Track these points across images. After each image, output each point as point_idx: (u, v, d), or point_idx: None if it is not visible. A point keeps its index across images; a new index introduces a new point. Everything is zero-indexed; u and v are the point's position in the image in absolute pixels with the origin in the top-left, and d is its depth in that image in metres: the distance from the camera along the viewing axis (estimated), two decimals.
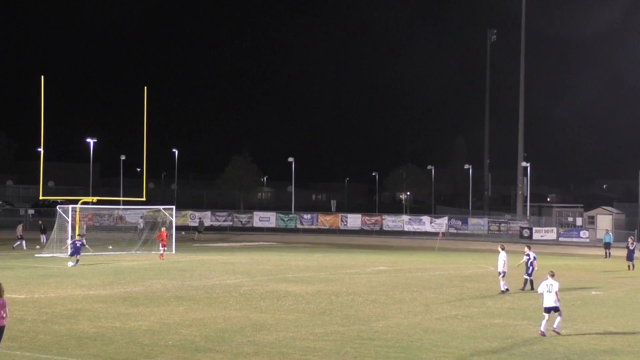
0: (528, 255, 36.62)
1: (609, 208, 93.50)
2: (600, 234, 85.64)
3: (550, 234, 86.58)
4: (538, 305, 32.14)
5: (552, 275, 25.57)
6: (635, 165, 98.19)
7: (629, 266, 47.80)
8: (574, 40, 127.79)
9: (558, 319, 25.02)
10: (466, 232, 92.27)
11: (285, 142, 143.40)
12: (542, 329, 24.72)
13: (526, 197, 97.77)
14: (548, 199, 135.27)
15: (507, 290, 35.50)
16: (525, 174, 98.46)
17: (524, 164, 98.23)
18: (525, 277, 36.67)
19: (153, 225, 63.70)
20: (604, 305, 32.20)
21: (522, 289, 36.37)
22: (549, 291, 25.09)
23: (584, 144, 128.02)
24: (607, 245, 62.17)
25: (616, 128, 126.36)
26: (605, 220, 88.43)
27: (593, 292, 36.57)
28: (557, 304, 24.99)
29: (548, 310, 24.89)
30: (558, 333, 24.74)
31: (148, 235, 61.00)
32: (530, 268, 36.43)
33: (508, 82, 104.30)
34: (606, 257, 59.61)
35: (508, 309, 30.85)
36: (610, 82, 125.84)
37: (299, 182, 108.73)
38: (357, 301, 32.26)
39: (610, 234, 64.99)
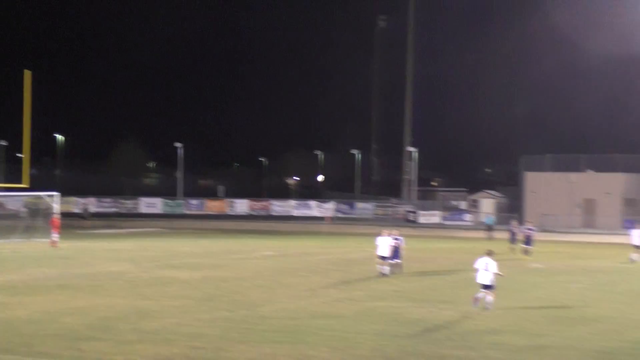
0: (397, 239, 36.68)
1: (492, 192, 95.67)
2: (483, 217, 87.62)
3: (435, 217, 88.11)
4: (421, 287, 32.75)
5: (489, 254, 26.76)
6: (517, 150, 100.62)
7: (524, 250, 46.90)
8: (461, 27, 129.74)
9: (489, 297, 26.27)
10: (353, 216, 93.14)
11: (173, 127, 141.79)
12: (477, 296, 26.55)
13: (412, 181, 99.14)
14: (433, 183, 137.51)
15: (387, 274, 35.51)
16: (412, 159, 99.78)
17: (410, 148, 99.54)
18: (397, 261, 36.59)
19: (35, 212, 62.13)
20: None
21: (395, 272, 36.21)
22: (485, 269, 26.43)
23: (469, 130, 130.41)
24: (488, 228, 63.67)
25: (499, 114, 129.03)
26: (488, 204, 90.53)
27: (474, 274, 37.19)
28: (493, 283, 26.24)
29: (483, 287, 26.37)
30: (488, 309, 26.07)
31: (30, 222, 59.50)
32: (398, 252, 36.43)
33: (398, 67, 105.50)
34: (488, 239, 60.85)
35: (392, 291, 31.24)
36: (494, 70, 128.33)
37: (187, 167, 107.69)
38: (244, 286, 32.20)
39: (492, 216, 66.48)
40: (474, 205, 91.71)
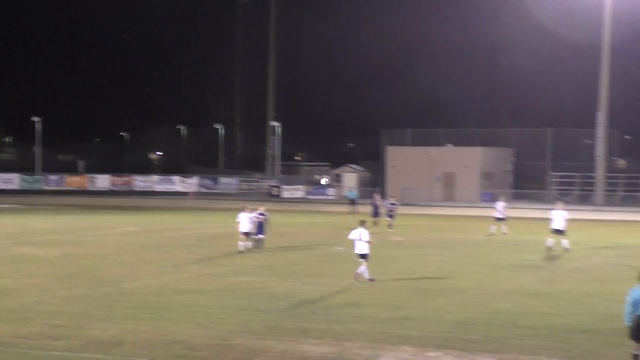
0: (262, 214, 36.65)
1: (354, 166, 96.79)
2: (346, 191, 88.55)
3: (299, 192, 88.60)
4: (285, 262, 32.86)
5: (362, 225, 27.41)
6: (379, 124, 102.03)
7: (388, 224, 47.58)
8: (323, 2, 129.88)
9: (362, 267, 27.13)
10: (217, 191, 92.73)
11: (30, 101, 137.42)
12: (358, 272, 27.20)
13: (276, 156, 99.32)
14: (297, 158, 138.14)
15: (245, 251, 35.23)
16: (275, 134, 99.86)
17: (273, 123, 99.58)
18: (261, 236, 36.56)
19: None
20: (348, 261, 33.27)
21: (258, 247, 36.43)
22: (359, 239, 27.14)
23: (332, 104, 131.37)
24: (352, 202, 64.46)
25: (362, 89, 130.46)
26: (350, 178, 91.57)
27: (337, 248, 37.61)
28: (367, 252, 27.08)
29: (360, 256, 27.10)
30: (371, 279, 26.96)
31: None
32: (262, 227, 36.44)
33: (261, 41, 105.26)
34: (351, 213, 61.46)
35: (256, 266, 31.25)
36: (356, 45, 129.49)
37: (46, 142, 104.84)
38: (105, 263, 31.64)
39: (355, 190, 67.26)
40: (337, 180, 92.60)
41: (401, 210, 63.19)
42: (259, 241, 36.45)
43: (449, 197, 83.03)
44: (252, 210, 36.45)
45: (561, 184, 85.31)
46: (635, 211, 69.75)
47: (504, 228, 45.43)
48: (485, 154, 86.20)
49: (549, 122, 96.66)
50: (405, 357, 17.74)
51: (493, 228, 45.42)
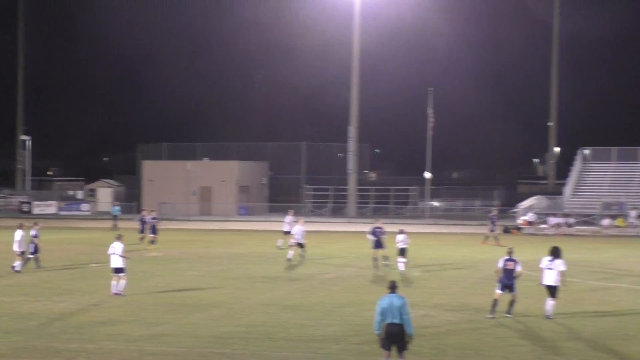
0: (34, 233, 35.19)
1: (109, 181, 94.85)
2: (102, 207, 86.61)
3: (51, 207, 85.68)
4: (36, 280, 31.60)
5: (118, 238, 27.53)
6: (135, 138, 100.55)
7: (151, 240, 46.25)
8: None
9: (122, 281, 27.19)
10: None
11: None
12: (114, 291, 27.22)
13: (27, 171, 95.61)
14: (49, 173, 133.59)
15: (19, 270, 33.78)
16: (26, 148, 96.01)
17: (23, 137, 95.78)
18: (30, 256, 35.13)
19: None
20: (103, 277, 32.51)
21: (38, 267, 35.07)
22: (114, 253, 27.12)
23: (86, 118, 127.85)
24: (114, 217, 62.86)
25: (117, 100, 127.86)
26: (105, 193, 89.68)
27: (92, 265, 36.64)
28: (123, 265, 27.19)
29: (114, 270, 27.21)
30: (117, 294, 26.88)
31: None
32: (34, 246, 35.08)
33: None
34: (114, 228, 60.16)
35: (4, 286, 29.96)
36: (115, 59, 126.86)
37: None
38: None
39: (118, 206, 65.66)
40: (92, 195, 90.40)
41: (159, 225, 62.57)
42: (36, 260, 34.93)
43: (206, 211, 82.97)
44: (31, 227, 34.88)
45: (315, 196, 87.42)
46: (386, 222, 72.50)
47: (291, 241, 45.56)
48: (241, 168, 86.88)
49: (303, 136, 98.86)
50: None
51: (280, 241, 44.98)
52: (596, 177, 76.20)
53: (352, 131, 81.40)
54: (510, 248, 24.99)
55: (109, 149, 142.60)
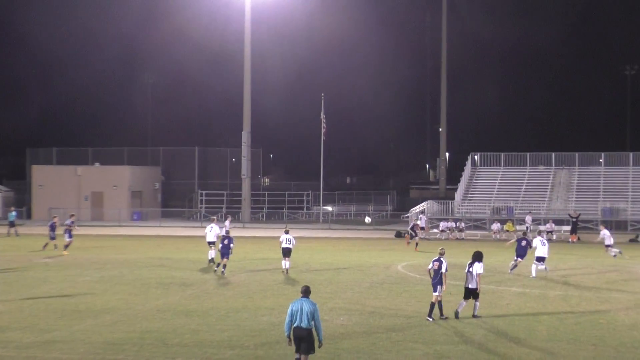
0: None
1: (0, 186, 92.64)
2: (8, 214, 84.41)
3: None
4: None
5: None
6: (23, 143, 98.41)
7: (65, 246, 45.41)
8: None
9: None
10: None
11: None
12: None
13: None
14: None
15: None
16: None
17: None
18: None
19: None
20: None
21: None
22: None
23: None
24: (11, 224, 60.51)
25: (7, 104, 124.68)
26: None
27: None
28: None
29: None
30: None
31: None
32: None
33: None
34: (9, 235, 58.63)
35: None
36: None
37: None
38: None
39: (14, 212, 63.06)
40: None
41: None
42: None
43: (98, 216, 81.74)
44: None
45: (209, 202, 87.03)
46: (275, 228, 72.67)
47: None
48: (133, 173, 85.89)
49: (195, 141, 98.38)
50: None
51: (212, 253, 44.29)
52: (486, 182, 77.98)
53: (245, 136, 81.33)
54: (442, 249, 25.67)
55: None
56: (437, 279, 24.64)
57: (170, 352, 19.93)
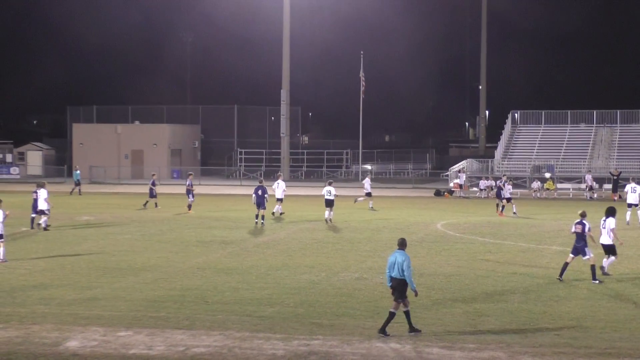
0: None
1: (39, 144, 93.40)
2: (31, 170, 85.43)
3: None
4: None
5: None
6: (64, 101, 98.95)
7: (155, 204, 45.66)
8: None
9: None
10: None
11: None
12: None
13: None
14: None
15: None
16: None
17: None
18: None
19: None
20: (34, 242, 32.19)
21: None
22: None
23: (13, 79, 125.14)
24: (77, 183, 60.64)
25: (46, 63, 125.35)
26: (35, 156, 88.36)
27: (23, 229, 36.17)
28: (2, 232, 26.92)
29: None
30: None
31: None
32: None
33: None
34: (75, 193, 58.86)
35: None
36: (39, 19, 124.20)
37: None
38: None
39: (79, 171, 62.91)
40: (21, 158, 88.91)
41: (90, 188, 61.96)
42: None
43: (138, 174, 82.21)
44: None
45: (248, 160, 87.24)
46: (316, 186, 72.68)
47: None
48: (173, 131, 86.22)
49: (234, 99, 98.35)
50: (95, 338, 17.40)
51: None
52: (526, 140, 77.34)
53: (284, 94, 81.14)
54: (583, 211, 25.17)
55: (36, 111, 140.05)
56: (583, 242, 24.11)
57: (211, 310, 20.04)
